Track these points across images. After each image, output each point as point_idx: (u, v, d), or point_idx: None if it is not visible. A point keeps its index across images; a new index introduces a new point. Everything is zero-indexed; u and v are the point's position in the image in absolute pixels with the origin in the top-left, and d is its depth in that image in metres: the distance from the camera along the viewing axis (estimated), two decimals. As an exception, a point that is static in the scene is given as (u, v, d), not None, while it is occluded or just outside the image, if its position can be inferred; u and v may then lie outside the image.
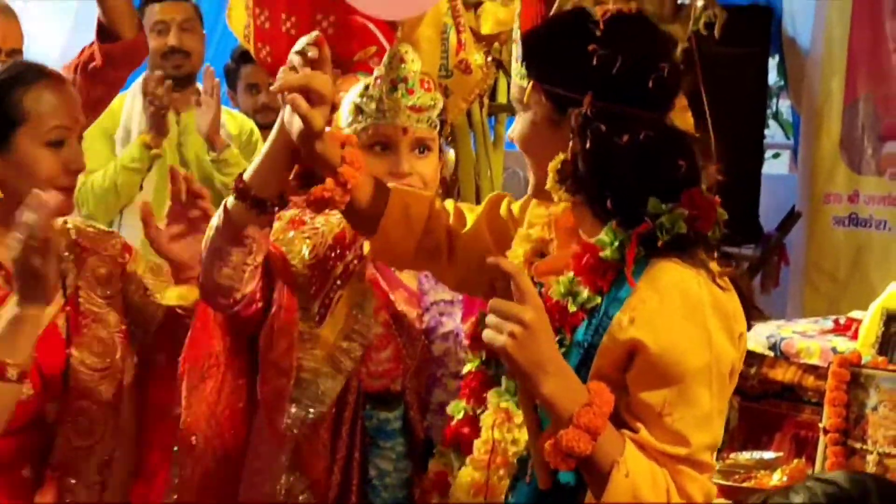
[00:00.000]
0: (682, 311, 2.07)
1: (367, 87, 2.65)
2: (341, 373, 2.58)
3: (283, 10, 3.52)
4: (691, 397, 2.07)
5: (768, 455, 3.62)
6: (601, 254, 2.13)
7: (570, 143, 2.13)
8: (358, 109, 2.64)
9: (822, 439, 3.29)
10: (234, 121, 4.91)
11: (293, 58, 2.27)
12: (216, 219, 2.44)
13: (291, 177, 2.35)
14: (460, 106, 3.68)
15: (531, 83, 2.20)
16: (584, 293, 2.13)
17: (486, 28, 3.63)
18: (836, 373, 3.28)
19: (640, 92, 2.13)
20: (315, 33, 2.30)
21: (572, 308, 2.13)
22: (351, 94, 2.68)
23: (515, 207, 2.44)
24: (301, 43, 2.28)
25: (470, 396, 2.33)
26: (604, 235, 2.13)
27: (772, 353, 3.87)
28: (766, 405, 3.90)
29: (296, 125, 2.27)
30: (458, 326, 2.66)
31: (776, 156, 7.69)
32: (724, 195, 5.64)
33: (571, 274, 2.15)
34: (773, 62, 6.67)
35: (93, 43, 3.89)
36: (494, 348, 2.04)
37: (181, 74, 4.57)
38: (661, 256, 2.09)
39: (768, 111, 7.39)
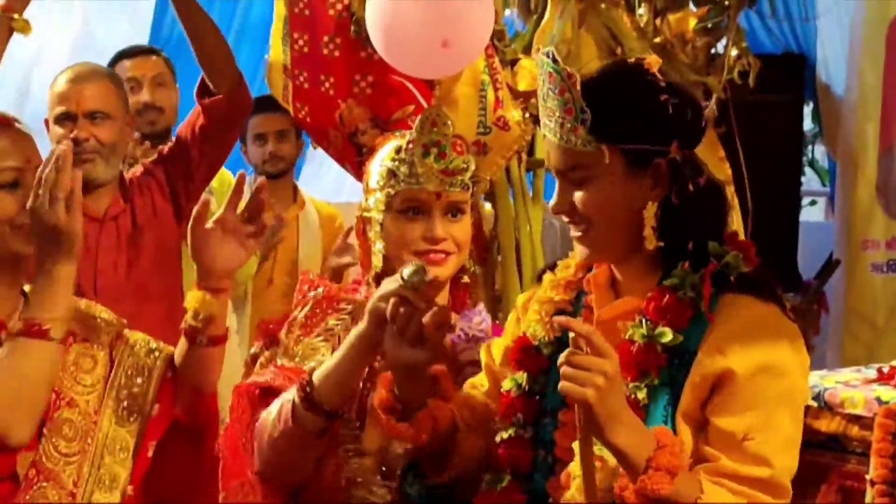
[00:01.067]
0: (765, 339, 2.15)
1: (398, 150, 2.63)
2: (394, 478, 2.55)
3: (321, 72, 3.53)
4: (775, 422, 2.13)
5: (816, 508, 3.60)
6: (678, 294, 2.20)
7: (654, 193, 2.20)
8: (391, 173, 2.63)
9: (869, 491, 3.27)
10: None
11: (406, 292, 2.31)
12: (278, 413, 2.48)
13: (378, 404, 2.35)
14: (499, 163, 3.69)
15: (604, 146, 2.20)
16: (669, 333, 2.19)
17: (524, 84, 3.64)
18: (882, 424, 3.26)
19: (698, 136, 2.28)
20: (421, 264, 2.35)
21: (658, 349, 2.19)
22: (381, 156, 2.67)
23: (496, 350, 2.50)
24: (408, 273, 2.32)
25: (509, 462, 2.35)
26: (675, 278, 2.21)
27: (815, 404, 3.84)
28: (811, 456, 3.86)
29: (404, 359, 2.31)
30: None
31: (813, 203, 7.68)
32: (762, 243, 5.65)
33: (645, 318, 2.21)
34: (807, 109, 6.69)
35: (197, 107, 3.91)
36: (575, 399, 2.08)
37: (156, 131, 4.62)
38: (733, 293, 2.19)
39: (804, 158, 7.39)
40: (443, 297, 2.71)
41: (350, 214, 3.46)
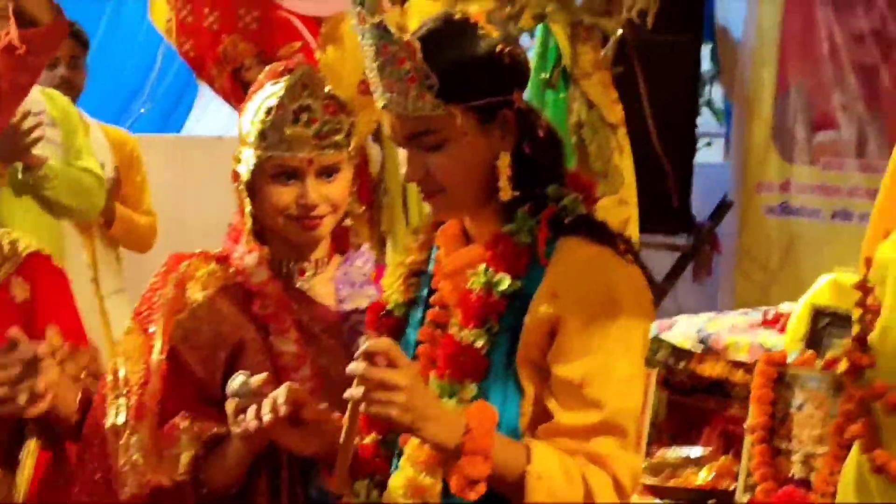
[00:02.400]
0: (595, 284, 2.17)
1: (269, 111, 2.56)
2: None
3: (205, 5, 3.46)
4: (610, 365, 2.15)
5: (695, 452, 3.63)
6: (515, 240, 2.21)
7: (504, 143, 2.21)
8: (262, 135, 2.57)
9: (747, 438, 3.30)
10: (54, 103, 4.87)
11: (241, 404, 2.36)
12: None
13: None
14: (387, 102, 3.65)
15: (454, 107, 2.19)
16: (506, 280, 2.20)
17: (414, 23, 3.57)
18: (762, 371, 3.28)
19: (527, 80, 2.30)
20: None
21: (496, 296, 2.20)
22: (254, 107, 2.60)
23: None
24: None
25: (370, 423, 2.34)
26: (514, 224, 2.22)
27: (700, 348, 3.87)
28: (695, 400, 3.90)
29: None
30: None
31: (709, 144, 7.72)
32: (657, 184, 5.68)
33: (484, 266, 2.22)
34: (706, 50, 6.70)
35: (7, 30, 3.81)
36: (381, 419, 2.11)
37: None
38: (567, 236, 2.20)
39: (701, 99, 7.42)
40: (324, 246, 2.68)
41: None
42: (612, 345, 2.16)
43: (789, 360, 3.33)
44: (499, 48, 2.20)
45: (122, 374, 2.61)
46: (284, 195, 2.57)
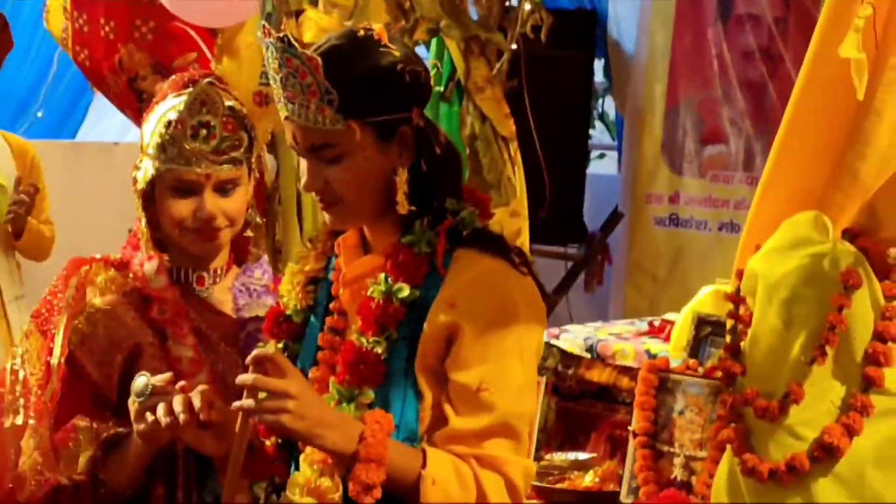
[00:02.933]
0: (491, 293, 2.24)
1: (169, 125, 2.61)
2: None
3: (101, 15, 3.47)
4: (506, 371, 2.24)
5: (582, 456, 3.71)
6: (414, 250, 2.28)
7: (402, 160, 2.28)
8: (161, 146, 2.61)
9: (631, 442, 3.38)
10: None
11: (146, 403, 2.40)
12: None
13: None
14: (280, 114, 3.69)
15: (353, 122, 2.23)
16: (405, 289, 2.27)
17: (308, 36, 3.61)
18: (644, 378, 3.37)
19: (428, 98, 2.35)
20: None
21: (395, 304, 2.27)
22: (155, 119, 2.64)
23: None
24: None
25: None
26: (413, 235, 2.29)
27: (588, 355, 3.95)
28: (583, 405, 3.97)
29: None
30: None
31: (601, 156, 7.84)
32: (550, 195, 5.75)
33: (384, 275, 2.29)
34: (599, 64, 6.80)
35: None
36: (273, 427, 2.19)
37: None
38: (464, 248, 2.27)
39: (594, 112, 7.54)
40: (223, 255, 2.73)
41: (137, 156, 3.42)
42: (507, 352, 2.23)
43: (672, 366, 3.43)
44: (399, 66, 2.24)
45: (21, 375, 2.64)
46: (182, 207, 2.62)
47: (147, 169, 2.63)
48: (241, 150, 2.64)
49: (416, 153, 2.28)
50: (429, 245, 2.28)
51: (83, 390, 2.62)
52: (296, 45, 2.21)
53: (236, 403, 2.17)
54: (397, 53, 2.26)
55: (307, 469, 2.28)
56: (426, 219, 2.29)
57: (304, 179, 2.31)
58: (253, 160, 2.70)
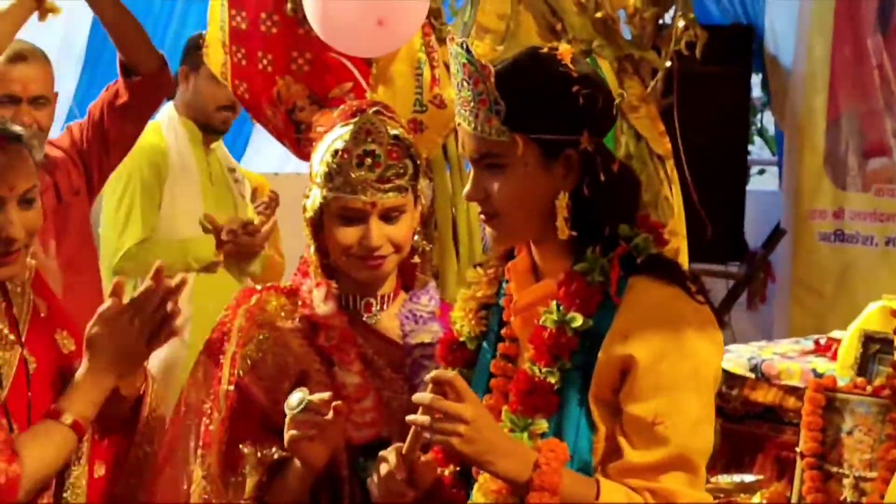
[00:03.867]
0: (666, 324, 2.21)
1: (335, 154, 2.65)
2: None
3: (259, 48, 3.53)
4: (682, 405, 2.18)
5: (749, 478, 3.65)
6: (587, 279, 2.25)
7: (565, 182, 2.25)
8: (328, 175, 2.66)
9: (798, 463, 3.32)
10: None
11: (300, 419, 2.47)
12: None
13: None
14: (435, 140, 3.72)
15: (518, 136, 2.23)
16: (579, 318, 2.24)
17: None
18: (811, 398, 3.32)
19: (608, 124, 2.31)
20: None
21: (568, 333, 2.25)
22: (324, 147, 2.68)
23: None
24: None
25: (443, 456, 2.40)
26: (586, 263, 2.26)
27: (753, 375, 3.89)
28: (748, 427, 3.92)
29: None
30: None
31: (761, 172, 7.73)
32: (710, 212, 5.70)
33: (556, 303, 2.26)
34: (757, 79, 6.72)
35: (116, 81, 3.95)
36: (444, 448, 2.22)
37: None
38: (638, 276, 2.24)
39: (753, 128, 7.44)
40: (391, 282, 2.76)
41: (295, 186, 3.48)
42: (682, 384, 2.18)
43: (840, 385, 3.36)
44: (575, 87, 2.22)
45: (192, 401, 2.70)
46: (348, 235, 2.65)
47: (315, 197, 2.68)
48: (406, 177, 2.67)
49: (580, 178, 2.25)
50: (602, 273, 2.25)
51: (252, 416, 2.66)
52: (473, 52, 2.23)
53: (410, 417, 2.19)
54: (575, 74, 2.24)
55: (480, 497, 2.29)
56: (598, 246, 2.26)
57: (467, 187, 2.32)
58: (420, 187, 2.72)
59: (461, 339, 2.44)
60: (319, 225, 2.70)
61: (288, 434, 2.48)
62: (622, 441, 2.20)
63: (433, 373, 2.20)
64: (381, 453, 2.37)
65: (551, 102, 2.24)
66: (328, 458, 2.53)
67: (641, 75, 4.22)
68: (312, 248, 2.73)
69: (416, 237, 2.76)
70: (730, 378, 3.91)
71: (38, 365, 2.65)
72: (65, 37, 5.79)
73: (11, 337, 2.64)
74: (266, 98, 3.55)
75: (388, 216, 2.66)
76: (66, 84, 5.48)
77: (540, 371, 2.25)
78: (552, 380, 2.24)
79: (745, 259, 6.37)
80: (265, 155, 6.36)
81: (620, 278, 2.24)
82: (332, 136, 2.68)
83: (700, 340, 2.21)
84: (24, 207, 2.60)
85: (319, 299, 2.71)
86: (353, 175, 2.63)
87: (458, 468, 2.39)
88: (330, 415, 2.45)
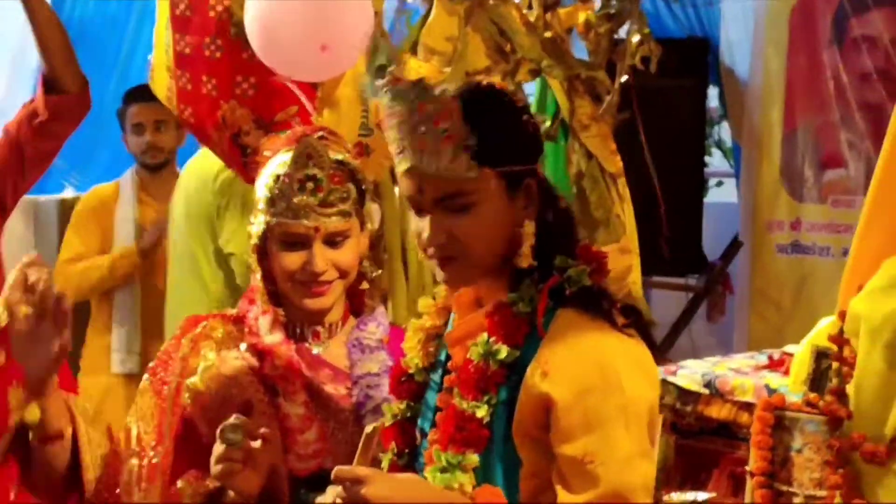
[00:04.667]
0: (589, 358, 2.16)
1: (277, 179, 2.63)
2: None
3: (203, 72, 3.52)
4: (611, 440, 2.13)
5: (702, 496, 3.66)
6: (514, 309, 2.22)
7: (526, 212, 2.23)
8: (270, 200, 2.64)
9: (749, 482, 3.33)
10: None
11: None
12: None
13: None
14: (383, 163, 3.71)
15: (483, 171, 2.19)
16: (504, 350, 2.21)
17: (409, 85, 3.66)
18: (760, 416, 3.31)
19: (542, 150, 2.31)
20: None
21: (494, 366, 2.21)
22: (266, 174, 2.67)
23: None
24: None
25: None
26: (517, 293, 2.23)
27: (707, 391, 3.90)
28: (703, 442, 3.93)
29: None
30: (387, 398, 2.60)
31: (719, 184, 7.75)
32: (667, 225, 5.70)
33: (485, 335, 2.23)
34: (714, 92, 6.74)
35: (33, 98, 3.93)
36: None
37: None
38: (565, 308, 2.20)
39: (711, 139, 7.46)
40: (338, 309, 2.74)
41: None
42: (610, 420, 2.13)
43: (791, 401, 3.37)
44: (526, 116, 2.23)
45: (134, 433, 2.68)
46: (292, 260, 2.64)
47: (259, 223, 2.67)
48: (349, 202, 2.65)
49: (539, 206, 2.24)
50: (530, 303, 2.22)
51: (196, 448, 2.64)
52: (432, 89, 2.18)
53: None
54: (520, 103, 2.24)
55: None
56: (534, 276, 2.23)
57: (425, 235, 2.23)
58: (366, 211, 2.71)
59: (409, 371, 2.41)
60: (264, 252, 2.69)
61: (215, 467, 2.47)
62: (557, 485, 2.15)
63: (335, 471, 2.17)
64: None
65: (513, 133, 2.22)
66: (261, 486, 2.51)
67: (594, 94, 4.22)
68: (259, 276, 2.71)
69: (364, 262, 2.74)
70: (684, 394, 3.92)
71: None
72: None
73: None
74: (211, 122, 3.54)
75: (333, 241, 2.64)
76: (18, 100, 5.44)
77: (468, 405, 2.21)
78: (480, 413, 2.20)
79: (704, 272, 6.38)
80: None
81: (549, 309, 2.20)
82: (275, 162, 2.66)
83: (627, 374, 2.16)
84: None
85: (266, 328, 2.69)
86: (294, 200, 2.61)
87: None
88: (258, 443, 2.44)
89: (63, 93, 3.85)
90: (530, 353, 2.19)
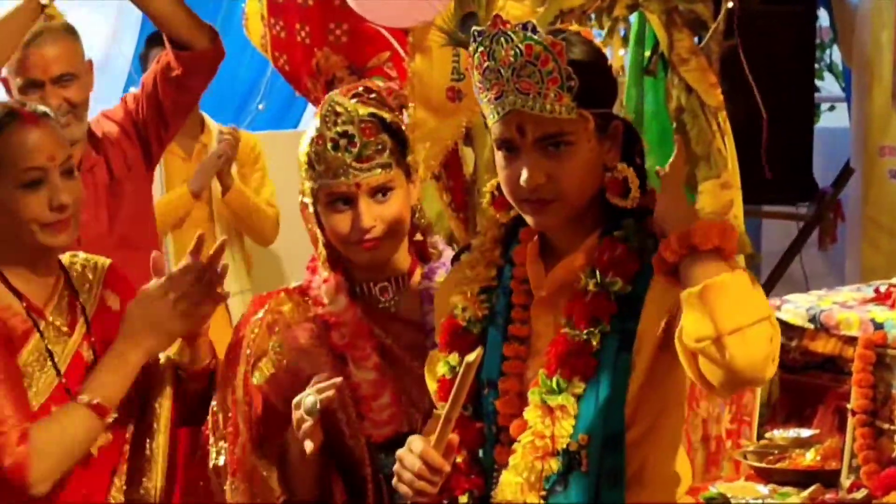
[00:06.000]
0: None
1: (311, 142, 2.64)
2: None
3: (297, 20, 3.54)
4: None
5: (805, 433, 3.64)
6: (627, 245, 2.30)
7: (610, 155, 2.32)
8: (310, 164, 2.64)
9: (849, 420, 3.30)
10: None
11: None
12: None
13: None
14: (474, 108, 3.70)
15: (585, 112, 2.27)
16: (618, 282, 2.29)
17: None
18: (861, 354, 3.29)
19: None
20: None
21: (608, 297, 2.29)
22: (303, 144, 2.68)
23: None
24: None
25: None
26: (623, 230, 2.31)
27: (812, 326, 3.86)
28: (808, 378, 3.89)
29: None
30: None
31: (832, 108, 7.60)
32: (777, 154, 5.66)
33: (593, 268, 2.30)
34: (825, 15, 6.60)
35: (166, 52, 3.97)
36: None
37: None
38: None
39: (822, 63, 7.31)
40: (402, 261, 2.74)
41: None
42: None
43: (892, 339, 3.32)
44: (609, 62, 2.33)
45: (220, 417, 2.73)
46: (341, 221, 2.64)
47: (306, 190, 2.68)
48: (386, 153, 2.63)
49: (623, 149, 2.32)
50: (639, 240, 2.29)
51: (275, 426, 2.69)
52: (540, 30, 2.24)
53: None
54: (598, 49, 2.33)
55: (512, 478, 2.31)
56: (632, 215, 2.31)
57: (524, 175, 2.28)
58: (410, 161, 2.69)
59: (464, 323, 2.43)
60: (318, 216, 2.69)
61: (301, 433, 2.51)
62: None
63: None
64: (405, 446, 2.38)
65: (603, 76, 2.32)
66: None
67: (693, 26, 4.16)
68: (321, 242, 2.71)
69: (417, 213, 2.73)
70: (789, 329, 3.88)
71: (97, 357, 2.72)
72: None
73: (65, 329, 2.71)
74: (306, 70, 3.56)
75: (377, 195, 2.63)
76: (124, 48, 5.51)
77: (579, 333, 2.27)
78: (593, 341, 2.27)
79: (814, 199, 6.28)
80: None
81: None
82: (311, 126, 2.68)
83: None
84: (66, 177, 2.68)
85: (330, 294, 2.70)
86: (330, 159, 2.60)
87: (470, 454, 2.40)
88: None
89: (194, 49, 3.88)
90: (640, 287, 2.28)
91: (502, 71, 2.25)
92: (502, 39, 2.24)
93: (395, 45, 3.43)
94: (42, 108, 2.77)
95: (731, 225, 2.16)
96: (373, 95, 2.67)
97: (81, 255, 2.89)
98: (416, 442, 2.32)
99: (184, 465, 2.80)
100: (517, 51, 2.23)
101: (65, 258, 2.84)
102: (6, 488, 2.57)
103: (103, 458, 2.71)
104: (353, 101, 2.65)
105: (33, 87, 3.85)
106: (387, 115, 2.66)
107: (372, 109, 2.64)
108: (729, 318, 2.07)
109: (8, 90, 3.92)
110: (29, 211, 2.66)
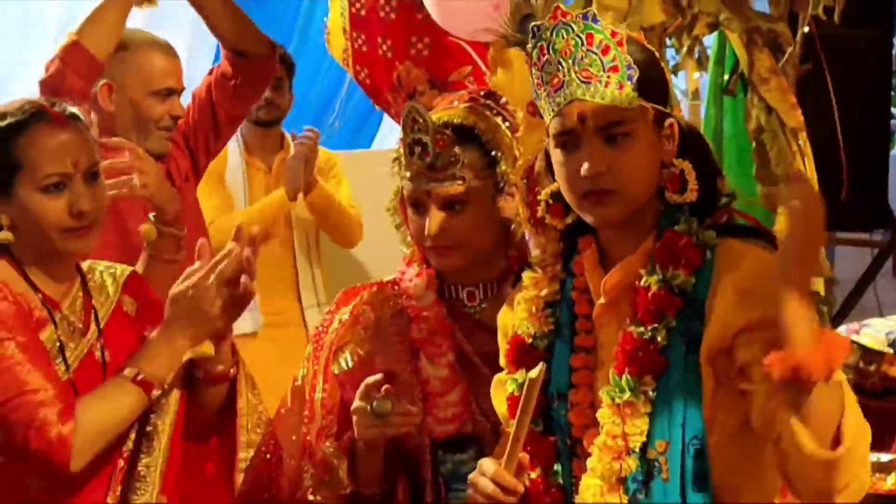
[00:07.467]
0: (768, 281, 2.14)
1: (399, 142, 2.71)
2: None
3: (379, 34, 3.55)
4: None
5: (885, 457, 3.60)
6: (688, 240, 2.28)
7: (667, 152, 2.33)
8: (399, 163, 2.71)
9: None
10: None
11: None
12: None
13: None
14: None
15: (645, 104, 2.28)
16: (680, 276, 2.27)
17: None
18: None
19: None
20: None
21: (672, 291, 2.27)
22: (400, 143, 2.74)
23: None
24: None
25: (531, 459, 2.38)
26: (683, 225, 2.30)
27: (891, 350, 3.83)
28: (887, 403, 3.86)
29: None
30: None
31: (908, 137, 7.53)
32: (852, 179, 5.61)
33: (653, 265, 2.29)
34: (898, 41, 6.54)
35: (219, 63, 4.00)
36: None
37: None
38: (726, 238, 2.30)
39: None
40: (490, 270, 2.73)
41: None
42: None
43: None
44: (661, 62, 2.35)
45: (306, 394, 2.74)
46: (416, 222, 2.69)
47: (397, 188, 2.75)
48: (460, 165, 2.64)
49: (678, 147, 2.32)
50: (698, 234, 2.29)
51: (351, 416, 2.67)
52: (600, 20, 2.25)
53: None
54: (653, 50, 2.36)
55: (601, 470, 2.27)
56: (686, 210, 2.31)
57: (585, 166, 2.27)
58: (499, 177, 2.68)
59: (529, 340, 2.41)
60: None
61: (367, 432, 2.53)
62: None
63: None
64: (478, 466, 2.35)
65: (659, 71, 2.34)
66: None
67: (773, 47, 4.14)
68: (408, 238, 2.77)
69: (513, 227, 2.72)
70: (867, 353, 3.86)
71: (112, 359, 2.70)
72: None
73: (79, 325, 2.70)
74: (387, 84, 3.57)
75: (450, 206, 2.65)
76: (200, 69, 5.55)
77: (645, 330, 2.25)
78: (659, 338, 2.25)
79: (889, 226, 6.22)
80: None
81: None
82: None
83: None
84: (90, 183, 2.66)
85: (421, 288, 2.71)
86: (408, 163, 2.66)
87: (545, 468, 2.38)
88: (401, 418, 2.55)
89: (252, 56, 3.91)
90: (700, 284, 2.26)
91: (562, 62, 2.26)
92: (562, 30, 2.25)
93: (477, 59, 3.43)
94: (72, 108, 2.71)
95: (845, 341, 2.11)
96: (485, 102, 2.73)
97: (104, 262, 2.87)
98: (486, 464, 2.30)
99: (176, 480, 2.73)
100: (578, 40, 2.24)
101: (85, 265, 2.82)
102: (42, 462, 2.52)
103: (98, 474, 2.66)
104: (442, 111, 2.70)
105: (168, 96, 3.89)
106: (481, 126, 2.67)
107: (458, 120, 2.67)
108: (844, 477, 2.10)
109: (105, 98, 3.88)
110: (48, 216, 2.63)
